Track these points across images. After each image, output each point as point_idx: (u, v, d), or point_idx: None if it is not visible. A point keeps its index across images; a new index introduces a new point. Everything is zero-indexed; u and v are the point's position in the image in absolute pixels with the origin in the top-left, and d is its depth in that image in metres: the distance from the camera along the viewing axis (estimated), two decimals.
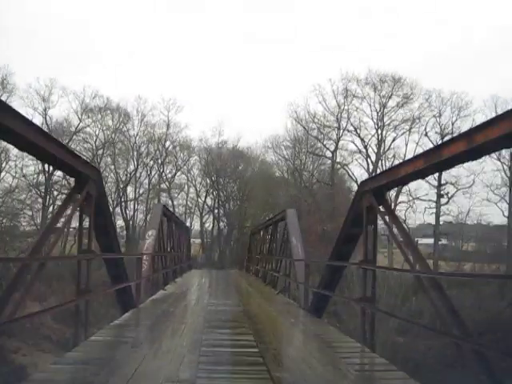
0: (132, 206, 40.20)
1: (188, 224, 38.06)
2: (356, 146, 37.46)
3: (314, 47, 55.58)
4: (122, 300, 7.44)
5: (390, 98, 36.79)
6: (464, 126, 32.19)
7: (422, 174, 4.33)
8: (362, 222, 5.61)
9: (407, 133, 36.69)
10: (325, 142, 38.31)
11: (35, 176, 33.72)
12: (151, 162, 40.73)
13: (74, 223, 6.20)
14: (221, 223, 42.43)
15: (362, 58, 54.36)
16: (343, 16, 54.14)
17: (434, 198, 35.07)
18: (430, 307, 16.81)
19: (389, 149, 37.15)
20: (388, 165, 36.17)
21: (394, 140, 37.01)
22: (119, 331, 5.81)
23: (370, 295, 5.43)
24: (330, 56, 56.19)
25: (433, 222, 35.92)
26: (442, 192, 35.24)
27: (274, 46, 59.65)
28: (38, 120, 34.38)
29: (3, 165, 32.43)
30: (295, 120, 38.63)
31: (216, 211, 42.44)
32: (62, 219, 5.19)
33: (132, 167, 39.84)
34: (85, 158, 37.03)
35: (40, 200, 33.45)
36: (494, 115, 3.47)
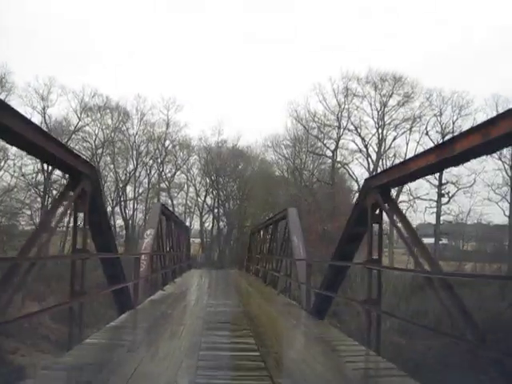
0: (131, 206, 40.06)
1: (188, 223, 37.89)
2: (356, 145, 37.33)
3: (314, 47, 55.50)
4: (119, 301, 7.23)
5: (390, 96, 36.65)
6: (465, 125, 32.07)
7: (433, 169, 4.12)
8: (367, 221, 5.41)
9: (408, 132, 36.59)
10: (325, 141, 38.15)
11: (34, 175, 33.56)
12: (151, 161, 40.58)
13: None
14: (220, 223, 42.27)
15: (362, 58, 54.29)
16: (343, 16, 54.06)
17: (435, 198, 34.93)
18: (432, 307, 16.67)
19: (389, 148, 37.05)
20: (389, 164, 36.04)
21: (394, 139, 36.89)
22: (115, 333, 5.61)
23: (376, 297, 5.22)
24: (330, 56, 56.09)
25: (433, 221, 35.78)
26: (442, 191, 35.10)
27: (274, 46, 59.54)
28: (36, 119, 34.22)
29: (1, 163, 32.25)
30: (295, 119, 38.48)
31: (216, 211, 42.27)
32: (62, 218, 4.98)
33: (131, 166, 39.70)
34: (84, 157, 36.96)
35: (39, 199, 33.27)
36: (495, 114, 3.27)
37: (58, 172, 30.27)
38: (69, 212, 4.91)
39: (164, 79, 60.30)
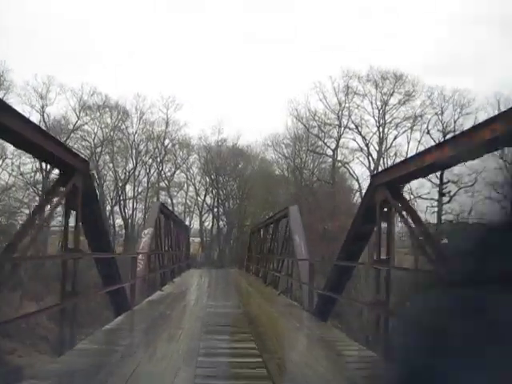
0: (131, 205, 39.78)
1: (187, 223, 37.62)
2: (357, 143, 37.03)
3: (314, 47, 55.09)
4: (115, 302, 6.95)
5: (391, 95, 36.36)
6: (466, 124, 31.81)
7: (447, 164, 3.84)
8: (375, 219, 5.13)
9: (409, 131, 36.29)
10: (325, 140, 37.86)
11: (32, 174, 33.27)
12: (150, 161, 40.28)
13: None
14: (220, 222, 41.99)
15: (362, 58, 53.73)
16: (343, 16, 53.67)
17: (436, 197, 34.66)
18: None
19: (390, 147, 36.76)
20: (390, 163, 35.80)
21: (395, 138, 36.61)
22: (110, 337, 5.33)
23: (384, 299, 4.94)
24: (331, 55, 55.79)
25: (434, 220, 35.53)
26: (443, 190, 34.85)
27: (274, 46, 59.17)
28: (35, 118, 33.94)
29: None
30: (295, 118, 38.18)
31: (215, 210, 42.00)
32: (52, 215, 4.70)
33: (131, 165, 39.41)
34: (83, 156, 36.88)
35: (37, 198, 32.98)
36: (496, 113, 2.99)
37: (56, 171, 29.95)
38: (56, 208, 4.60)
39: (163, 78, 59.97)
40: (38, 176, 33.14)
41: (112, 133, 38.22)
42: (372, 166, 36.27)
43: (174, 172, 41.54)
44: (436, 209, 34.83)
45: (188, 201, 42.15)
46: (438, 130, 35.11)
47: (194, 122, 69.93)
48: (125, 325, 6.38)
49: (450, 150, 3.57)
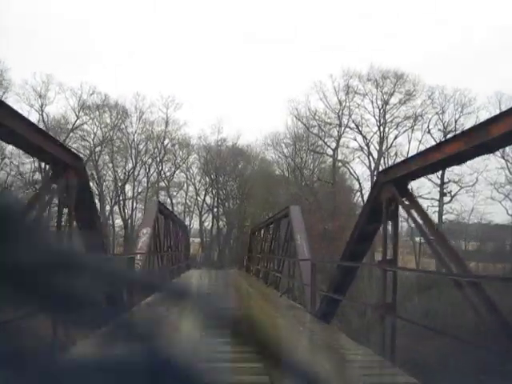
0: (130, 205, 39.58)
1: (187, 223, 37.42)
2: (358, 143, 36.84)
3: (313, 47, 54.96)
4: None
5: (392, 94, 36.15)
6: (467, 124, 31.62)
7: (460, 159, 3.63)
8: (380, 218, 4.92)
9: (410, 130, 36.10)
10: (326, 140, 37.66)
11: (31, 174, 33.06)
12: (150, 160, 40.08)
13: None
14: (220, 222, 41.79)
15: (362, 58, 53.59)
16: (343, 16, 53.53)
17: (437, 197, 34.46)
18: (438, 307, 16.16)
19: (391, 146, 36.58)
20: (390, 162, 35.60)
21: (396, 137, 36.44)
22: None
23: (391, 301, 4.73)
24: (331, 55, 55.64)
25: (436, 220, 35.33)
26: (444, 190, 34.66)
27: (274, 46, 58.99)
28: (34, 117, 33.75)
29: None
30: (296, 117, 37.97)
31: (215, 210, 41.81)
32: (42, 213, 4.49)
33: (130, 165, 39.22)
34: (82, 155, 36.67)
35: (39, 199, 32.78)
36: (498, 112, 2.80)
37: None
38: (47, 206, 4.39)
39: (163, 77, 59.80)
40: (37, 176, 32.96)
41: (111, 132, 38.02)
42: (372, 165, 36.11)
43: (174, 172, 41.35)
44: (437, 208, 34.68)
45: (188, 201, 41.99)
46: (439, 130, 34.97)
47: (194, 121, 69.76)
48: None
49: (464, 144, 3.36)
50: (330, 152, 37.79)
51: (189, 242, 29.06)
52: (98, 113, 37.69)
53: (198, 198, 41.90)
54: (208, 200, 42.02)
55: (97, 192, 37.22)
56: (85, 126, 37.34)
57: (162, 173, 40.74)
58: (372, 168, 36.11)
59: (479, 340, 4.54)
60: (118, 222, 39.28)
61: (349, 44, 55.34)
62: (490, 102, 33.37)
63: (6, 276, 0.53)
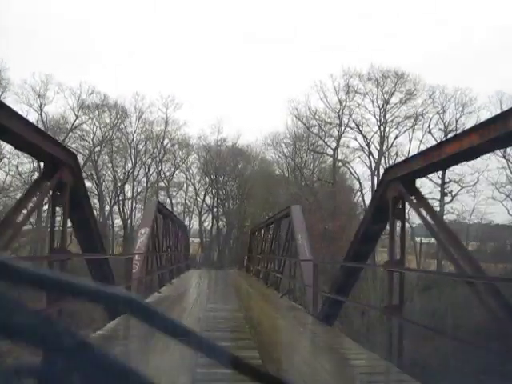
0: (130, 205, 39.38)
1: (187, 223, 37.23)
2: (358, 143, 36.65)
3: (313, 47, 54.78)
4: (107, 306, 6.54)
5: (392, 94, 35.96)
6: (468, 123, 31.45)
7: (474, 153, 3.43)
8: (387, 217, 4.73)
9: (410, 130, 35.92)
10: (326, 140, 37.46)
11: (30, 174, 32.85)
12: (149, 160, 39.91)
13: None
14: (220, 222, 41.61)
15: (362, 58, 53.47)
16: (343, 16, 53.32)
17: (438, 197, 34.29)
18: (437, 308, 15.96)
19: (391, 146, 36.38)
20: (391, 162, 35.42)
21: (396, 137, 36.25)
22: (100, 345, 4.91)
23: (398, 303, 4.55)
24: (331, 55, 55.49)
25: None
26: (445, 190, 34.47)
27: (274, 46, 58.82)
28: (33, 117, 33.57)
29: None
30: (296, 117, 37.77)
31: (215, 210, 41.63)
32: (32, 213, 4.30)
33: (130, 165, 39.04)
34: (82, 155, 36.53)
35: (35, 198, 32.55)
36: (499, 112, 2.63)
37: None
38: (39, 205, 4.20)
39: (163, 77, 59.59)
40: (37, 176, 32.75)
41: (111, 132, 37.82)
42: (373, 165, 35.94)
43: (174, 172, 41.18)
44: (438, 208, 34.47)
45: (187, 201, 41.81)
46: (440, 129, 34.78)
47: (194, 121, 69.65)
48: (116, 331, 5.96)
49: (479, 137, 3.17)
50: (330, 152, 37.63)
51: (188, 242, 28.88)
52: (97, 112, 37.51)
53: (198, 198, 41.78)
54: (208, 200, 41.90)
55: (96, 192, 37.10)
56: (84, 126, 37.17)
57: (162, 173, 40.59)
58: (372, 168, 35.96)
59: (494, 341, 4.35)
60: (118, 222, 39.12)
61: (349, 44, 55.18)
62: (491, 101, 33.22)
63: None
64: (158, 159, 39.81)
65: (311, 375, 4.11)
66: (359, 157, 36.81)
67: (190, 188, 41.95)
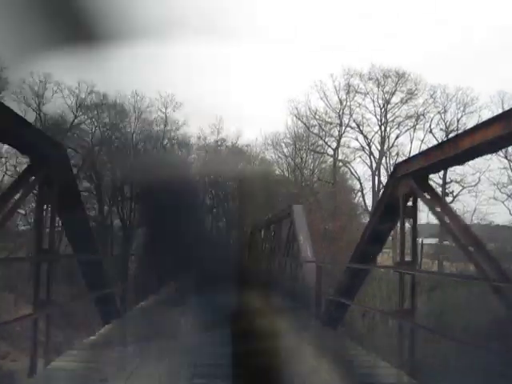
0: (129, 205, 39.05)
1: None
2: (359, 142, 36.41)
3: (314, 47, 54.38)
4: (101, 310, 6.24)
5: (393, 93, 35.74)
6: (470, 123, 31.20)
7: (496, 146, 3.14)
8: (396, 215, 4.44)
9: (411, 130, 35.66)
10: (326, 139, 37.24)
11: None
12: None
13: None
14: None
15: (362, 58, 53.06)
16: (343, 16, 52.97)
17: None
18: (440, 308, 15.71)
19: (392, 146, 36.13)
20: (392, 162, 35.20)
21: (397, 137, 36.00)
22: (88, 355, 4.60)
23: (410, 307, 4.25)
24: (331, 55, 55.15)
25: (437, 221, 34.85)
26: (446, 190, 34.25)
27: (274, 46, 58.49)
28: (31, 116, 33.23)
29: None
30: (296, 117, 37.50)
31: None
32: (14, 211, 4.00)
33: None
34: (80, 155, 36.26)
35: (34, 198, 32.24)
36: (500, 111, 2.37)
37: None
38: (22, 201, 3.90)
39: (162, 77, 59.32)
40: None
41: (110, 132, 37.54)
42: (374, 165, 35.72)
43: None
44: (438, 209, 34.19)
45: None
46: (441, 129, 34.51)
47: (194, 121, 69.32)
48: (109, 337, 5.64)
49: (502, 128, 2.87)
50: (330, 152, 37.39)
51: None
52: (96, 112, 37.21)
53: None
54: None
55: (95, 192, 36.79)
56: (83, 126, 36.86)
57: None
58: (373, 168, 35.75)
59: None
60: (117, 222, 38.80)
61: (349, 44, 54.86)
62: (493, 101, 32.91)
63: None
64: None
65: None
66: (360, 157, 36.58)
67: None
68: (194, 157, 41.28)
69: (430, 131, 34.65)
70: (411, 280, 4.30)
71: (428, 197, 4.07)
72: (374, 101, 36.12)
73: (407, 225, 4.54)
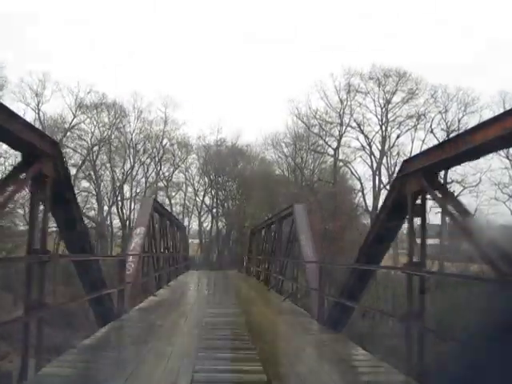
0: (128, 205, 38.89)
1: (186, 224, 36.76)
2: (359, 142, 36.20)
3: (314, 47, 54.39)
4: (98, 311, 6.05)
5: (394, 93, 35.53)
6: (471, 123, 31.02)
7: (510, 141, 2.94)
8: (404, 214, 4.26)
9: (412, 129, 35.47)
10: (327, 139, 37.05)
11: None
12: (148, 160, 39.50)
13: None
14: (219, 223, 41.14)
15: (362, 58, 53.21)
16: (343, 16, 52.97)
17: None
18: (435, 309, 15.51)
19: (393, 146, 35.92)
20: (392, 162, 35.03)
21: (398, 137, 35.80)
22: (84, 358, 4.41)
23: (418, 310, 4.06)
24: (331, 55, 55.13)
25: (438, 221, 34.65)
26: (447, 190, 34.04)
27: (274, 46, 58.41)
28: (30, 116, 33.09)
29: None
30: (296, 116, 37.33)
31: (214, 210, 41.16)
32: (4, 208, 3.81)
33: (128, 165, 38.58)
34: (80, 155, 36.08)
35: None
36: (501, 111, 2.19)
37: None
38: (11, 198, 3.71)
39: (162, 77, 59.17)
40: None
41: (109, 132, 37.34)
42: (374, 165, 35.49)
43: (173, 172, 40.72)
44: (440, 209, 33.96)
45: (187, 201, 41.34)
46: (442, 129, 34.31)
47: (193, 121, 69.24)
48: (106, 340, 5.45)
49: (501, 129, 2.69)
50: (330, 152, 37.20)
51: (187, 242, 28.38)
52: (95, 112, 37.00)
53: (197, 199, 41.33)
54: (207, 200, 41.46)
55: (95, 192, 36.63)
56: (82, 125, 36.68)
57: (161, 173, 40.14)
58: (374, 168, 35.53)
59: None
60: (116, 222, 38.68)
61: (349, 44, 54.83)
62: (494, 100, 32.75)
63: None
64: (156, 159, 39.39)
65: None
66: (360, 157, 36.40)
67: (190, 188, 41.55)
68: (194, 157, 41.19)
69: (431, 131, 34.45)
70: (419, 282, 4.11)
71: (439, 195, 3.89)
72: (374, 100, 35.93)
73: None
